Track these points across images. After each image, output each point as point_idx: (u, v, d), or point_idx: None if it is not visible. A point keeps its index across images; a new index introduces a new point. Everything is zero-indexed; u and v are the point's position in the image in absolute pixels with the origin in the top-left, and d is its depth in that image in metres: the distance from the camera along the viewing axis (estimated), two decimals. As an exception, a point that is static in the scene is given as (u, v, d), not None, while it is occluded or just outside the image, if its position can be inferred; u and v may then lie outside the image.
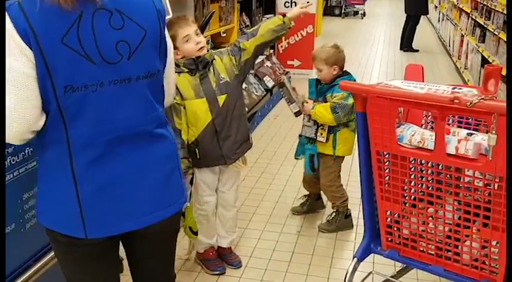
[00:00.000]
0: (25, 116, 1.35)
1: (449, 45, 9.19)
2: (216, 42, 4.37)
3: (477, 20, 6.50)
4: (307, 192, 3.44)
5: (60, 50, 1.33)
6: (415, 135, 1.90)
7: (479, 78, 5.92)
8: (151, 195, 1.54)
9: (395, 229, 2.04)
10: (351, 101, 2.84)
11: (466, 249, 1.89)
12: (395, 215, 2.03)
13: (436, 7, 12.98)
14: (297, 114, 3.00)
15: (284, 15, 2.63)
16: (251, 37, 2.56)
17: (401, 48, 9.77)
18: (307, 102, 2.99)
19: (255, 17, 5.82)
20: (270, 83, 5.37)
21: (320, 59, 3.01)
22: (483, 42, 6.09)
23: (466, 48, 7.15)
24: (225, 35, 4.45)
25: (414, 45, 9.70)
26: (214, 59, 2.52)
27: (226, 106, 2.51)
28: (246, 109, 5.17)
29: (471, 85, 2.42)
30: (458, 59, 7.86)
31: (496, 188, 1.73)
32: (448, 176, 1.88)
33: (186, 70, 2.47)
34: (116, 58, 1.40)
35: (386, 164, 1.94)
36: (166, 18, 1.66)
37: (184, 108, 2.48)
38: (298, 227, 3.25)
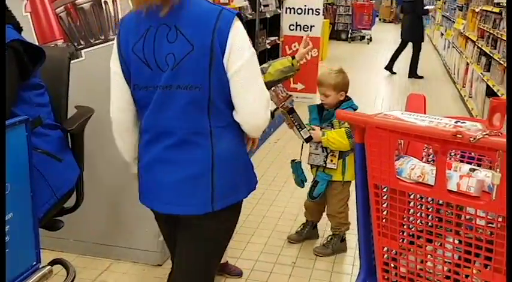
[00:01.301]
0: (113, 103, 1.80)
1: (454, 73, 9.15)
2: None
3: (483, 48, 6.45)
4: (304, 220, 3.34)
5: (131, 56, 1.68)
6: (414, 169, 1.81)
7: (484, 107, 5.84)
8: (173, 188, 1.73)
9: (392, 266, 1.94)
10: None
11: (467, 291, 1.79)
12: (393, 252, 1.93)
13: (442, 34, 12.98)
14: (308, 140, 2.89)
15: (293, 56, 2.62)
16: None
17: (386, 68, 9.76)
18: (313, 129, 2.92)
19: (258, 39, 5.76)
20: (272, 106, 5.30)
21: (329, 85, 2.94)
22: (488, 70, 6.04)
23: (471, 77, 7.10)
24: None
25: (419, 72, 9.68)
26: None
27: None
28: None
29: (475, 118, 2.34)
30: (463, 87, 7.81)
31: (498, 227, 1.63)
32: (448, 213, 1.79)
33: None
34: (164, 67, 1.64)
35: (384, 198, 1.86)
36: None
37: None
38: (293, 257, 3.13)
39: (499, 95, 5.02)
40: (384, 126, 1.65)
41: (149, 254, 2.95)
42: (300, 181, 3.14)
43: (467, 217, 1.75)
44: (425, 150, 2.02)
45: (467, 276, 1.80)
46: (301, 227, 3.35)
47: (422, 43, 9.66)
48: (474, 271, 1.78)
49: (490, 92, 5.68)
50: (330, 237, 3.21)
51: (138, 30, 1.66)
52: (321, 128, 2.93)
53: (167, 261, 3.01)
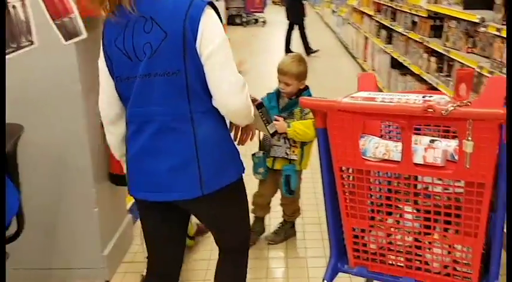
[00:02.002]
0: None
1: (353, 48, 9.50)
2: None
3: (382, 22, 6.73)
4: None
5: (113, 50, 1.75)
6: (378, 147, 1.82)
7: (389, 78, 6.12)
8: (163, 176, 1.78)
9: (362, 245, 1.96)
10: None
11: (433, 257, 1.85)
12: (361, 231, 1.95)
13: (334, 11, 13.42)
14: (274, 134, 2.70)
15: None
16: None
17: (286, 51, 9.94)
18: (277, 121, 2.81)
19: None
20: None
21: (291, 74, 2.86)
22: (390, 43, 6.31)
23: (372, 50, 7.40)
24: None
25: (314, 47, 9.96)
26: None
27: None
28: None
29: (434, 91, 2.40)
30: (364, 61, 8.12)
31: (467, 194, 1.69)
32: (405, 184, 1.83)
33: None
34: (142, 57, 1.71)
35: (350, 179, 1.86)
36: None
37: None
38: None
39: (406, 65, 5.26)
40: (353, 109, 1.63)
41: (96, 271, 2.77)
42: (265, 172, 3.02)
43: (425, 186, 1.81)
44: (383, 128, 2.04)
45: (430, 242, 1.85)
46: (257, 225, 3.25)
47: (304, 22, 9.95)
48: (436, 236, 1.84)
49: (394, 63, 5.96)
50: (281, 224, 3.20)
51: (118, 25, 1.75)
52: (284, 119, 2.86)
53: (115, 276, 2.84)
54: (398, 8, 5.69)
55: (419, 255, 1.86)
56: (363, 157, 1.82)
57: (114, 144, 1.96)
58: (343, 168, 1.85)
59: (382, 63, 6.71)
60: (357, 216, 1.91)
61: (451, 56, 3.91)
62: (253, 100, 2.70)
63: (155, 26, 1.69)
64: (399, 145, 1.80)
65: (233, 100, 1.76)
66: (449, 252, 1.83)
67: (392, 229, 1.90)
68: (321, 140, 1.87)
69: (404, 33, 5.41)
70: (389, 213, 1.92)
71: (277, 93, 2.96)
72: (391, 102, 1.60)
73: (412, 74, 5.09)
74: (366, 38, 7.99)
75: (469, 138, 1.52)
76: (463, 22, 3.78)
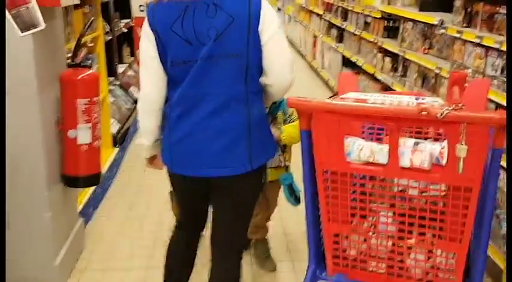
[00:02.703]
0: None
1: (301, 46, 9.52)
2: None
3: (332, 21, 6.76)
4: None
5: (169, 35, 1.81)
6: (363, 149, 1.77)
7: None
8: (213, 153, 1.88)
9: (341, 251, 1.90)
10: None
11: (413, 263, 1.82)
12: (341, 236, 1.89)
13: (279, 9, 13.44)
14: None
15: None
16: None
17: None
18: None
19: (112, 23, 5.35)
20: (137, 94, 4.95)
21: None
22: (341, 42, 6.35)
23: (322, 48, 7.43)
24: (92, 44, 3.98)
25: None
26: None
27: None
28: (118, 126, 4.72)
29: (423, 93, 2.36)
30: (314, 59, 8.15)
31: (453, 198, 1.66)
32: (380, 187, 1.79)
33: None
34: (206, 41, 1.79)
35: (333, 183, 1.79)
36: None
37: None
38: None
39: (360, 64, 5.30)
40: (346, 111, 1.56)
41: (48, 280, 2.57)
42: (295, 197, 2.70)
43: (401, 189, 1.77)
44: (365, 129, 1.99)
45: (410, 248, 1.82)
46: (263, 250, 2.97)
47: None
48: (413, 241, 1.81)
49: (346, 62, 6.00)
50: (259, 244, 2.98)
51: (174, 11, 1.81)
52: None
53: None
54: (350, 8, 5.73)
55: (401, 262, 1.83)
56: (347, 160, 1.76)
57: (151, 130, 2.01)
58: (328, 171, 1.78)
59: (333, 61, 6.75)
60: (338, 221, 1.85)
61: (407, 57, 3.95)
62: None
63: (220, 11, 1.79)
64: (384, 147, 1.75)
65: (285, 77, 1.91)
66: (428, 258, 1.81)
67: (370, 234, 1.86)
68: (304, 142, 1.79)
69: (357, 33, 5.45)
70: (365, 217, 1.88)
71: None
72: (383, 104, 1.54)
73: (366, 73, 5.14)
74: (315, 36, 8.02)
75: (463, 143, 1.49)
76: (420, 24, 3.83)
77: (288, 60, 1.91)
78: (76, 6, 3.62)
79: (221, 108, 1.84)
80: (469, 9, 3.09)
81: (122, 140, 4.47)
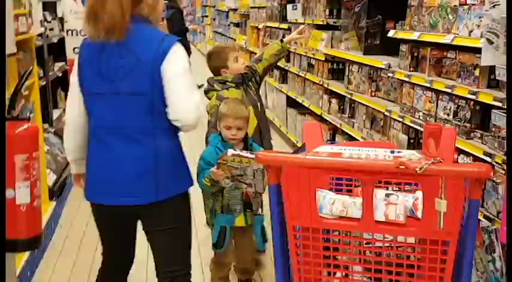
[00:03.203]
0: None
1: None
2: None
3: (274, 62, 6.81)
4: None
5: (87, 68, 2.01)
6: (335, 203, 1.70)
7: (286, 116, 6.16)
8: (120, 183, 2.02)
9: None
10: None
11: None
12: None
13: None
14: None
15: (282, 40, 3.39)
16: (258, 62, 3.24)
17: None
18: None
19: (46, 67, 5.11)
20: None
21: (245, 117, 2.62)
22: (284, 82, 6.38)
23: (265, 89, 7.45)
24: (27, 92, 3.73)
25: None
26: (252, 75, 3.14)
27: (262, 112, 3.16)
28: (55, 177, 4.43)
29: (390, 144, 2.29)
30: (255, 99, 8.14)
31: (430, 252, 1.60)
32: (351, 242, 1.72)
33: (233, 85, 3.02)
34: (115, 78, 1.97)
35: (305, 239, 1.70)
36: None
37: None
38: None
39: (306, 105, 5.31)
40: (318, 166, 1.48)
41: None
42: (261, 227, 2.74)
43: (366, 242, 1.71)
44: (331, 180, 1.92)
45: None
46: None
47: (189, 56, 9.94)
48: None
49: (291, 102, 6.01)
50: None
51: (95, 49, 1.98)
52: None
53: None
54: (292, 50, 5.79)
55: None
56: (320, 215, 1.68)
57: (73, 150, 2.17)
58: (299, 227, 1.69)
59: (277, 102, 6.76)
60: (310, 278, 1.75)
61: (355, 99, 3.99)
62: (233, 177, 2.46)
63: (129, 53, 1.96)
64: (357, 201, 1.69)
65: (191, 116, 1.99)
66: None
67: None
68: (273, 197, 1.70)
69: (301, 75, 5.49)
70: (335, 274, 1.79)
71: (224, 146, 2.61)
72: (359, 158, 1.48)
73: (313, 113, 5.15)
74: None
75: (442, 197, 1.44)
76: (365, 66, 3.89)
77: (190, 101, 1.99)
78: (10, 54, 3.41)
79: (129, 141, 1.99)
80: (415, 54, 3.16)
81: (59, 192, 4.14)
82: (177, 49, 2.00)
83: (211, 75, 3.18)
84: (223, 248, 2.69)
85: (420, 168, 1.40)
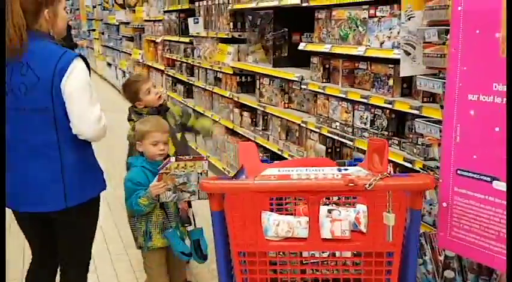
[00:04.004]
0: None
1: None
2: None
3: (176, 76, 6.69)
4: None
5: (7, 85, 2.11)
6: (280, 224, 1.67)
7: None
8: (32, 193, 2.15)
9: None
10: None
11: None
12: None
13: (109, 64, 13.03)
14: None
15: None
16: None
17: None
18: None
19: None
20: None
21: (167, 132, 2.58)
22: (190, 97, 6.28)
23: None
24: None
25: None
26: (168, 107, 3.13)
27: (182, 143, 3.12)
28: None
29: (329, 160, 2.30)
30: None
31: (376, 264, 1.62)
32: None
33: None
34: (18, 94, 2.07)
35: (251, 265, 1.65)
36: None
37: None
38: None
39: (217, 119, 5.26)
40: (271, 190, 1.44)
41: None
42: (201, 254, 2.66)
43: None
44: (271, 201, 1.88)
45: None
46: None
47: None
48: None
49: (201, 115, 5.91)
50: None
51: (9, 66, 2.06)
52: None
53: None
54: (197, 64, 5.72)
55: None
56: (266, 238, 1.63)
57: None
58: (244, 252, 1.63)
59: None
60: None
61: (269, 111, 4.01)
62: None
63: (30, 71, 2.04)
64: (302, 219, 1.67)
65: (90, 130, 2.12)
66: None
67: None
68: (216, 224, 1.63)
69: (208, 89, 5.43)
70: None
71: (150, 164, 2.54)
72: (308, 178, 1.46)
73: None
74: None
75: (390, 211, 1.46)
76: (276, 79, 3.92)
77: (90, 115, 2.10)
78: None
79: (37, 155, 2.11)
80: (327, 66, 3.23)
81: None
82: (77, 64, 2.08)
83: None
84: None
85: (369, 185, 1.40)
